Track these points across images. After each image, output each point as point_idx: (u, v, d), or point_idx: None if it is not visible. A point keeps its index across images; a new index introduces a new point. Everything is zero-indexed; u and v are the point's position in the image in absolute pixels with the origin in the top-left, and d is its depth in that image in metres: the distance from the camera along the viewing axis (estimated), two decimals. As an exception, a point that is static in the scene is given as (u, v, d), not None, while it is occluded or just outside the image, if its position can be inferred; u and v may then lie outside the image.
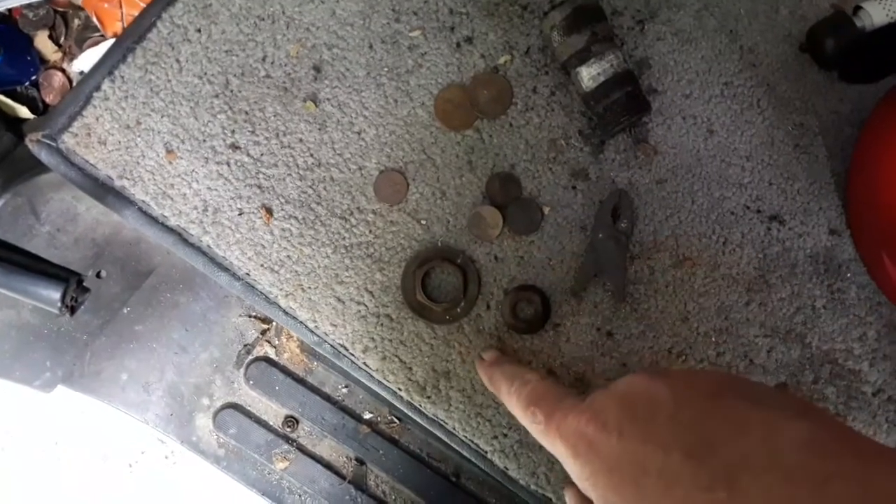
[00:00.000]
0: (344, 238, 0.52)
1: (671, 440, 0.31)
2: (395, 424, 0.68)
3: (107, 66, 0.52)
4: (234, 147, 0.52)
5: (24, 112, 0.79)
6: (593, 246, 0.52)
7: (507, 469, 0.52)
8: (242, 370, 0.70)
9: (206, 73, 0.53)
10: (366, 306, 0.52)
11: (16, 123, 0.79)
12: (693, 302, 0.53)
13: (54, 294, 0.57)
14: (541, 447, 0.52)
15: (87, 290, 0.62)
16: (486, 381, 0.48)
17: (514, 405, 0.42)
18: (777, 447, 0.29)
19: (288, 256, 0.52)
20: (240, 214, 0.52)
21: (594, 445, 0.33)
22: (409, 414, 0.53)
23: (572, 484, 0.37)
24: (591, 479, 0.33)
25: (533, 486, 0.52)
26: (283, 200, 0.52)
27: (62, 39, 0.80)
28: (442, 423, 0.52)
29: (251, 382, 0.70)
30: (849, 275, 0.54)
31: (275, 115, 0.53)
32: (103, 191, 0.52)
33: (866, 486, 0.26)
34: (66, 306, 0.58)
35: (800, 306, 0.54)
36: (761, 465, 0.28)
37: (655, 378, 0.34)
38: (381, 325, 0.52)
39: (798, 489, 0.27)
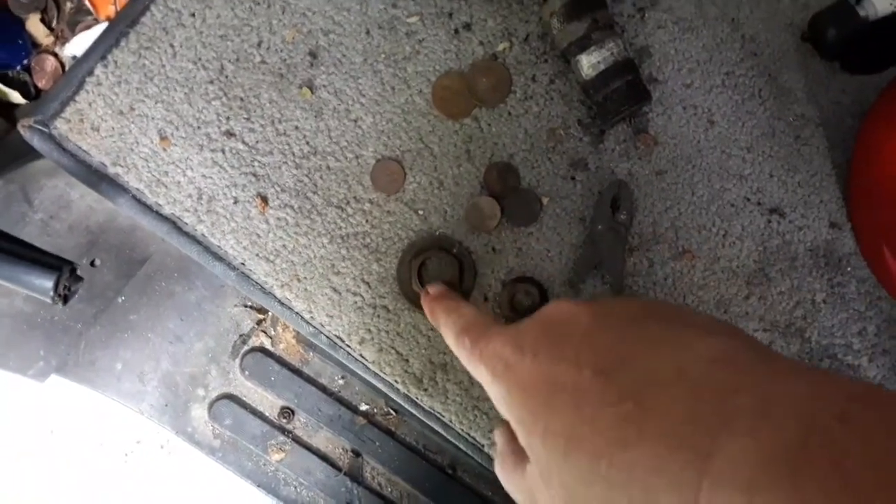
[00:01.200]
0: (340, 228, 0.52)
1: (583, 359, 0.31)
2: (391, 416, 0.68)
3: (100, 50, 0.51)
4: (229, 134, 0.52)
5: (15, 97, 0.78)
6: (592, 237, 0.51)
7: (503, 461, 0.52)
8: (238, 360, 0.70)
9: (200, 59, 0.52)
10: (362, 297, 0.52)
11: (8, 109, 0.79)
12: (692, 295, 0.53)
13: (47, 283, 0.56)
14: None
15: (80, 278, 0.61)
16: (427, 314, 0.48)
17: (449, 335, 0.42)
18: (686, 362, 0.28)
19: (283, 246, 0.51)
20: (235, 203, 0.51)
21: (510, 366, 0.34)
22: (406, 406, 0.52)
23: (502, 422, 0.37)
24: (506, 398, 0.34)
25: (529, 479, 0.52)
26: (278, 189, 0.52)
27: (54, 23, 0.79)
28: (438, 415, 0.52)
29: (247, 373, 0.69)
30: (849, 269, 0.54)
31: (270, 102, 0.52)
32: (97, 178, 0.51)
33: (767, 398, 0.26)
34: (59, 295, 0.58)
35: (799, 300, 0.53)
36: (668, 378, 0.28)
37: (579, 303, 0.34)
38: (378, 316, 0.52)
39: (701, 401, 0.26)
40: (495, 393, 0.35)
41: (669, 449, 0.26)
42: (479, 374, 0.37)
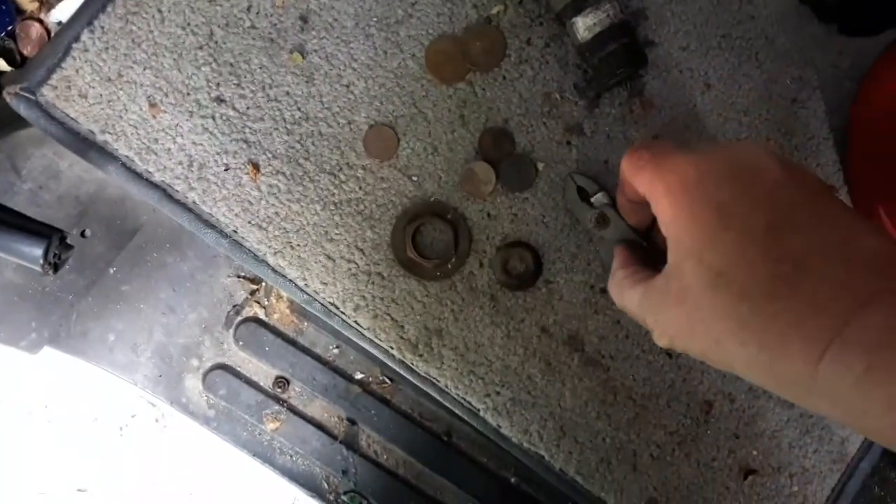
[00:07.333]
0: (333, 195, 0.51)
1: (760, 209, 0.32)
2: (386, 385, 0.68)
3: (86, 16, 0.50)
4: (220, 100, 0.51)
5: (1, 65, 0.76)
6: (591, 238, 0.51)
7: (499, 427, 0.52)
8: (232, 331, 0.69)
9: (189, 24, 0.51)
10: (356, 264, 0.51)
11: (-7, 77, 0.77)
12: (688, 259, 0.52)
13: (36, 251, 0.56)
14: (534, 405, 0.52)
15: (70, 247, 0.61)
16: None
17: (627, 153, 0.40)
18: (852, 248, 0.31)
19: (276, 213, 0.51)
20: (226, 170, 0.51)
21: (688, 186, 0.34)
22: (402, 373, 0.52)
23: (620, 244, 0.44)
24: (673, 217, 0.35)
25: (525, 444, 0.52)
26: (270, 156, 0.51)
27: (39, -12, 0.77)
28: (434, 381, 0.52)
29: (241, 343, 0.69)
30: (845, 231, 0.54)
31: (261, 68, 0.51)
32: (85, 146, 0.50)
33: None
34: (49, 263, 0.57)
35: (795, 263, 0.53)
36: (833, 256, 0.31)
37: (772, 155, 0.34)
38: (373, 282, 0.51)
39: (855, 288, 0.29)
40: (663, 208, 0.35)
41: (814, 311, 0.30)
42: (650, 186, 0.37)
